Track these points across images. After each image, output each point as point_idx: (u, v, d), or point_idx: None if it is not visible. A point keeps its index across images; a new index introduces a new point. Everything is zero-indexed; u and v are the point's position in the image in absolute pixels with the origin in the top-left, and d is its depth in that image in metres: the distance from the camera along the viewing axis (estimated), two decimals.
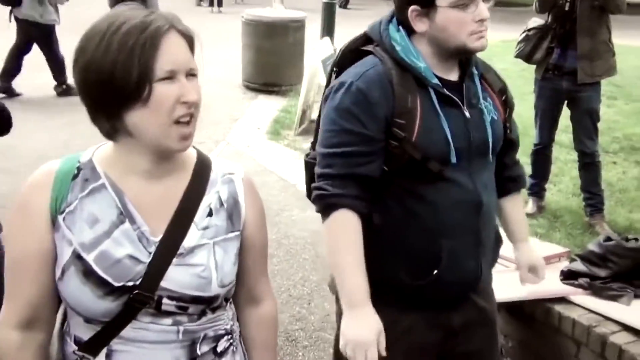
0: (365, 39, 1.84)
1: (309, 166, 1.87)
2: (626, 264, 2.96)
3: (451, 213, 1.73)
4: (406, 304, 1.81)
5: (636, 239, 3.12)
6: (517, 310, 2.94)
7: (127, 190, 1.26)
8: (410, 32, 1.75)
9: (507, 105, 1.91)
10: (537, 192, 4.60)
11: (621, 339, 2.61)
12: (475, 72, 1.82)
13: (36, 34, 7.36)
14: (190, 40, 1.24)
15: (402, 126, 1.68)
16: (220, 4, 16.49)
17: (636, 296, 2.84)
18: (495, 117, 1.83)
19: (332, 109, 1.73)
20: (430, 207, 1.72)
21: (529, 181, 4.50)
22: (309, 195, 1.89)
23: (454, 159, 1.71)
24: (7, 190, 4.43)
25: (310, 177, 1.86)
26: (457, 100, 1.75)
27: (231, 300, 1.43)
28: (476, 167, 1.78)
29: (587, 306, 2.80)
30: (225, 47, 9.81)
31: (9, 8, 7.30)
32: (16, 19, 7.30)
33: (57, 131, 6.25)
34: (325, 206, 1.73)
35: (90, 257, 1.22)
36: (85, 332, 1.28)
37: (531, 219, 4.27)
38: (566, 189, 4.96)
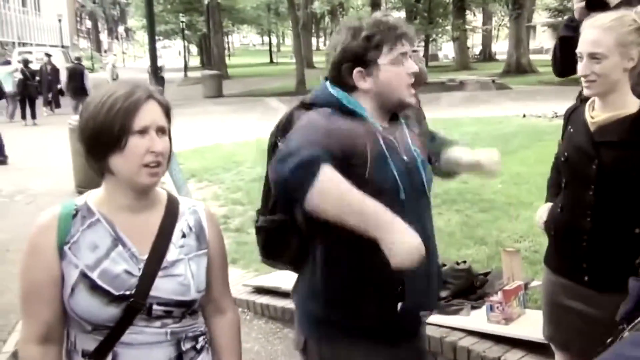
0: (302, 105, 1.90)
1: (262, 230, 1.97)
2: (461, 283, 3.53)
3: None
4: (376, 337, 1.84)
5: (464, 262, 3.72)
6: None
7: (117, 222, 1.58)
8: (347, 91, 1.86)
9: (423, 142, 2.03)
10: None
11: (467, 342, 3.12)
12: (402, 121, 1.96)
13: None
14: (166, 108, 1.57)
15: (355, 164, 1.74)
16: (34, 116, 16.48)
17: (472, 307, 3.39)
18: (424, 159, 1.94)
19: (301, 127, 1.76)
20: None
21: None
22: (264, 259, 2.03)
23: (402, 195, 1.79)
24: None
25: (263, 239, 1.98)
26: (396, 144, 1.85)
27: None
28: (420, 206, 1.87)
29: (436, 323, 3.29)
30: (50, 156, 9.83)
31: None
32: None
33: None
34: (309, 171, 1.61)
35: (94, 275, 1.53)
36: (91, 344, 1.56)
37: None
38: None
